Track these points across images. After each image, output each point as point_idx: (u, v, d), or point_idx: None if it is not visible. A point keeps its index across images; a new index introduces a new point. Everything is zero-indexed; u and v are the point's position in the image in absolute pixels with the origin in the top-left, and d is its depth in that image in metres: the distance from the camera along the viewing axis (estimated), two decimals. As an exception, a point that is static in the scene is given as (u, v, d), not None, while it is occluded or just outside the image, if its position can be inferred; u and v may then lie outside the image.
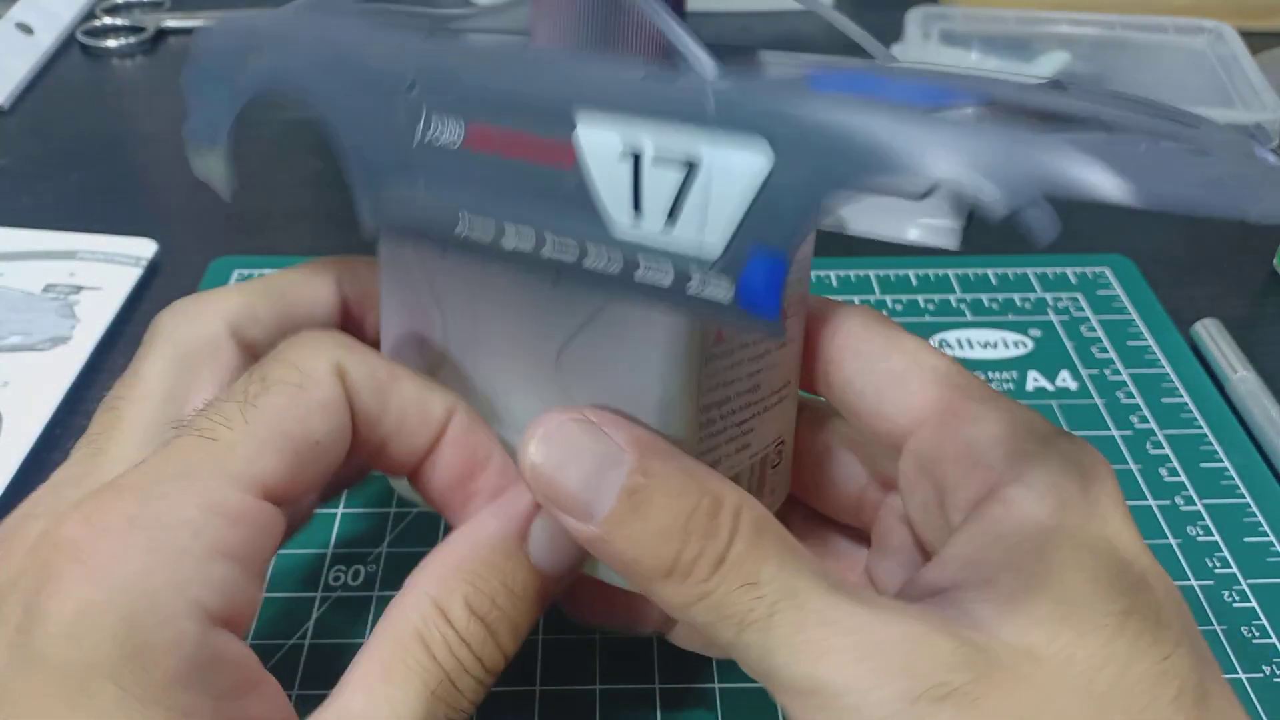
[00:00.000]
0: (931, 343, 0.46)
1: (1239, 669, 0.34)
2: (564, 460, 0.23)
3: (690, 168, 0.20)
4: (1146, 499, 0.40)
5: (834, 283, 0.50)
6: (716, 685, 0.33)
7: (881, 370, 0.26)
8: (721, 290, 0.20)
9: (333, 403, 0.24)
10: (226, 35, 0.27)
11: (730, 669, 0.33)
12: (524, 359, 0.27)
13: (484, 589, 0.24)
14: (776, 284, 0.19)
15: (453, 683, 0.23)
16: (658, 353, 0.24)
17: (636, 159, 0.20)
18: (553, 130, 0.21)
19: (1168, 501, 0.40)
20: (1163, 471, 0.41)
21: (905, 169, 0.18)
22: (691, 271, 0.20)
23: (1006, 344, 0.47)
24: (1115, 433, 0.43)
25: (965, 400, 0.25)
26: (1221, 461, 0.41)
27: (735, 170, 0.19)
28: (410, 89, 0.23)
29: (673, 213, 0.20)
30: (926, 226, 0.26)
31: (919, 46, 0.65)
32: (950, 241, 0.26)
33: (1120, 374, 0.45)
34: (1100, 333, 0.48)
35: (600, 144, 0.21)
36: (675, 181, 0.20)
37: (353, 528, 0.38)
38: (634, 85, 0.20)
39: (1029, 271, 0.51)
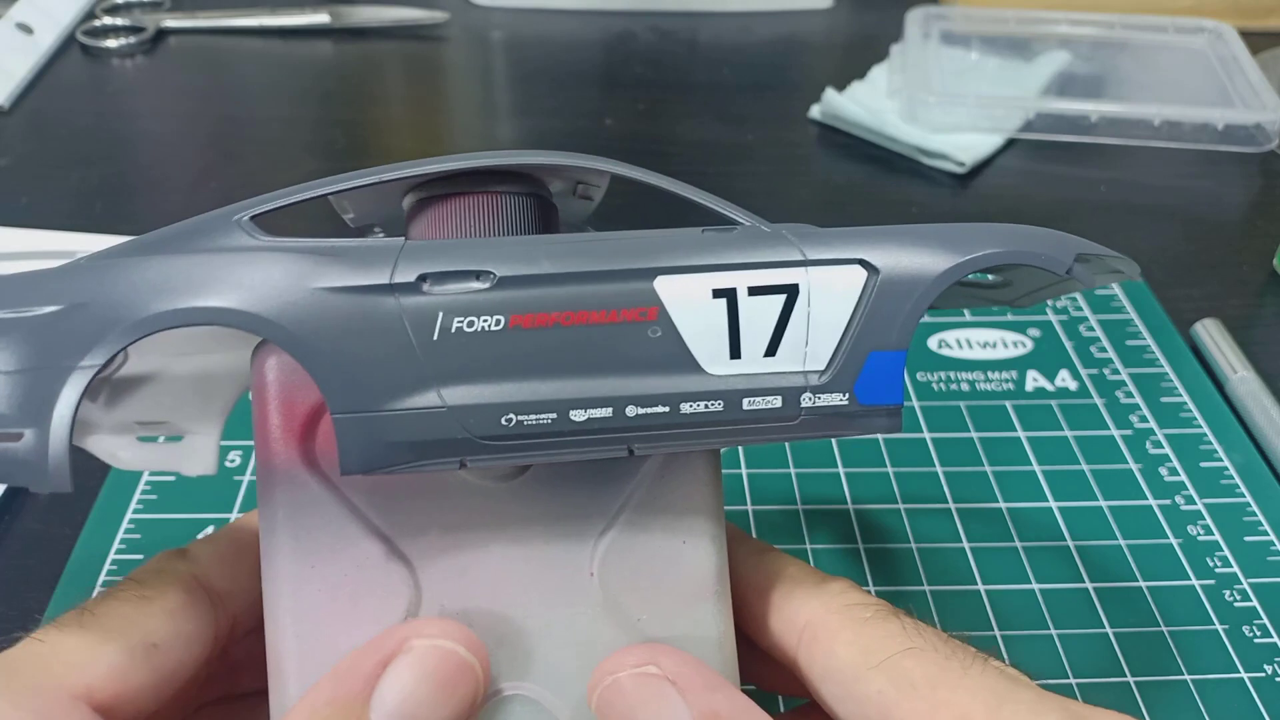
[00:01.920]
0: (931, 343, 0.47)
1: (1241, 668, 0.34)
2: None
3: (790, 295, 0.22)
4: (1147, 499, 0.40)
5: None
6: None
7: (860, 696, 0.23)
8: (836, 397, 0.22)
9: (179, 609, 0.24)
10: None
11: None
12: (551, 583, 0.23)
13: None
14: (898, 376, 0.22)
15: None
16: (703, 524, 0.24)
17: (731, 296, 0.21)
18: (627, 293, 0.21)
19: (1168, 501, 0.40)
20: (1163, 471, 0.41)
21: (972, 256, 0.22)
22: (800, 389, 0.22)
23: (1006, 344, 0.47)
24: (1115, 432, 0.43)
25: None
26: (1221, 461, 0.41)
27: (836, 290, 0.22)
28: (410, 290, 0.21)
29: (774, 343, 0.22)
30: None
31: (919, 46, 0.65)
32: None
33: (1120, 373, 0.45)
34: (1099, 332, 0.48)
35: (685, 291, 0.21)
36: (776, 310, 0.22)
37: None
38: (703, 239, 0.22)
39: (1029, 271, 0.51)
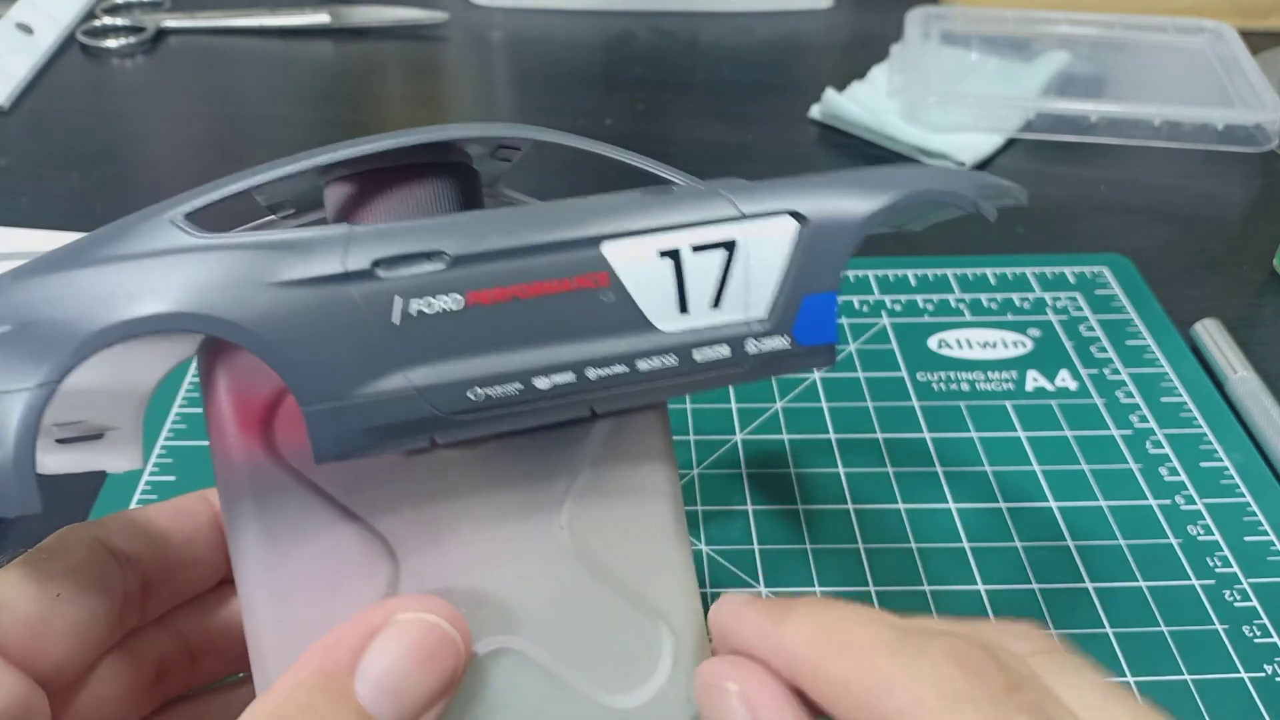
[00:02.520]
0: (931, 343, 0.47)
1: (1241, 669, 0.34)
2: None
3: (729, 249, 0.23)
4: (1147, 499, 0.40)
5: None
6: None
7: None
8: (778, 341, 0.23)
9: (80, 563, 0.24)
10: None
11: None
12: (524, 540, 0.24)
13: None
14: (831, 316, 0.23)
15: None
16: (658, 467, 0.25)
17: (675, 255, 0.22)
18: (578, 261, 0.22)
19: (1168, 501, 0.40)
20: (1163, 471, 0.41)
21: (893, 200, 0.23)
22: (744, 336, 0.23)
23: (1006, 344, 0.47)
24: (1115, 432, 0.43)
25: None
26: (1221, 461, 0.41)
27: (770, 241, 0.23)
28: (366, 278, 0.21)
29: (718, 296, 0.23)
30: None
31: (919, 46, 0.65)
32: None
33: (1120, 373, 0.45)
34: (1099, 332, 0.48)
35: (632, 254, 0.22)
36: (718, 264, 0.23)
37: None
38: (644, 202, 0.23)
39: (1027, 271, 0.51)
